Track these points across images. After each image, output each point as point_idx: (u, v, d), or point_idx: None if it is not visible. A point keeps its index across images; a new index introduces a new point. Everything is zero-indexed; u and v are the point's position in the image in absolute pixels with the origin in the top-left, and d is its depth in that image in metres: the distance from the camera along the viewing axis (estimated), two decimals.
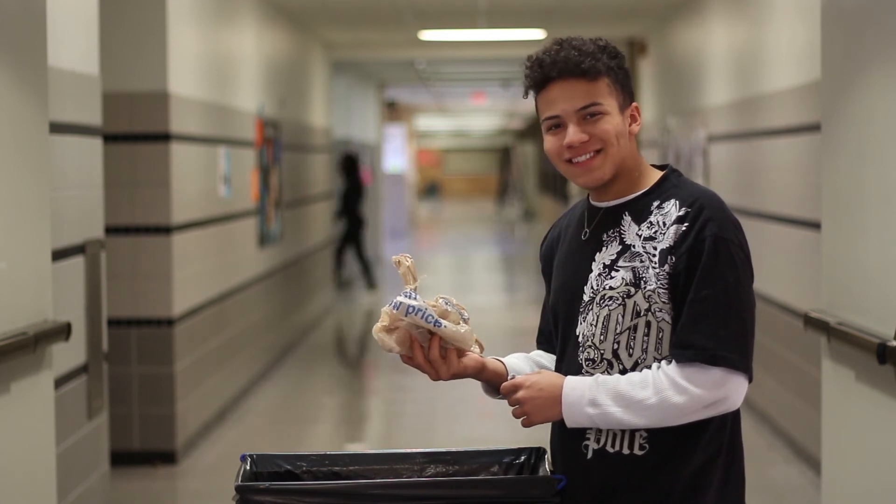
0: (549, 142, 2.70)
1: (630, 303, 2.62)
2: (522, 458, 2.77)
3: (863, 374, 4.25)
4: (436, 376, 2.66)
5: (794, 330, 6.95)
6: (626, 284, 2.63)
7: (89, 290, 5.43)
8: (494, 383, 2.72)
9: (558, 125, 2.68)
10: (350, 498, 2.54)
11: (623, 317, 2.63)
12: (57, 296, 4.84)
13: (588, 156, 2.66)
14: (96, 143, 5.61)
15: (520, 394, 2.62)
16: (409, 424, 8.63)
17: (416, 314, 2.58)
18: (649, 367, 2.60)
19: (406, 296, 2.60)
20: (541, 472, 2.68)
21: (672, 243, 2.60)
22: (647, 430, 2.60)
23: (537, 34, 13.33)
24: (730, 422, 2.64)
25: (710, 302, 2.56)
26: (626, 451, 2.62)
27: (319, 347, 11.96)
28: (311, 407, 9.30)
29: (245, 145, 9.36)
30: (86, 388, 5.40)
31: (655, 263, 2.61)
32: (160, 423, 7.24)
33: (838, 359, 4.48)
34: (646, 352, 2.62)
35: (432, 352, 2.63)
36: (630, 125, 2.70)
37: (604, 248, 2.69)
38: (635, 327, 2.62)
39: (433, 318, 2.59)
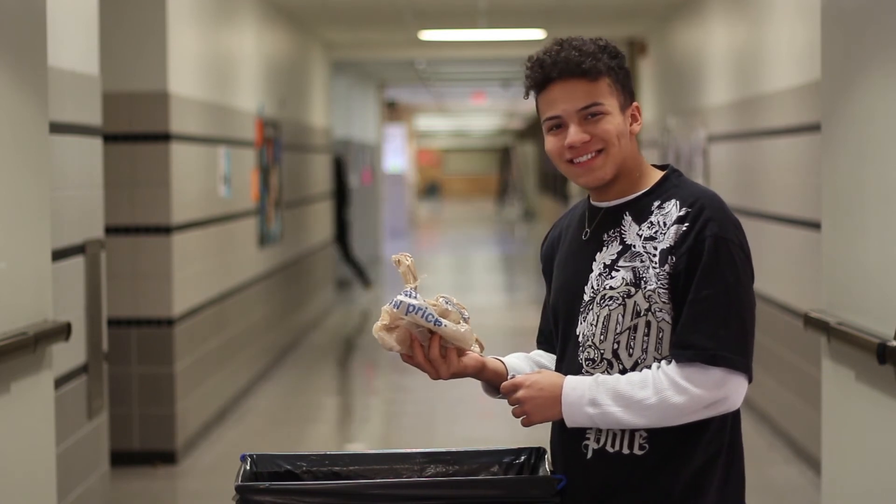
0: (550, 142, 2.70)
1: (630, 303, 2.62)
2: (522, 458, 2.77)
3: (863, 374, 4.25)
4: (436, 375, 2.66)
5: (794, 330, 6.95)
6: (627, 284, 2.63)
7: (89, 290, 5.43)
8: (494, 383, 2.72)
9: (559, 125, 2.68)
10: (350, 498, 2.54)
11: (623, 317, 2.63)
12: (57, 296, 4.84)
13: (589, 156, 2.66)
14: (96, 143, 5.61)
15: (520, 393, 2.62)
16: (409, 424, 8.63)
17: (416, 313, 2.58)
18: (649, 366, 2.60)
19: (406, 295, 2.60)
20: (541, 472, 2.68)
21: (672, 243, 2.60)
22: (647, 430, 2.60)
23: (537, 34, 13.33)
24: (730, 422, 2.64)
25: (711, 302, 2.56)
26: (625, 451, 2.62)
27: (319, 347, 11.95)
28: (311, 407, 9.30)
29: (245, 145, 9.36)
30: (86, 388, 5.40)
31: (656, 263, 2.61)
32: (160, 423, 7.24)
33: (838, 359, 4.47)
34: (646, 352, 2.62)
35: (432, 351, 2.63)
36: (631, 125, 2.70)
37: (604, 248, 2.69)
38: (635, 327, 2.62)
39: (433, 317, 2.59)
